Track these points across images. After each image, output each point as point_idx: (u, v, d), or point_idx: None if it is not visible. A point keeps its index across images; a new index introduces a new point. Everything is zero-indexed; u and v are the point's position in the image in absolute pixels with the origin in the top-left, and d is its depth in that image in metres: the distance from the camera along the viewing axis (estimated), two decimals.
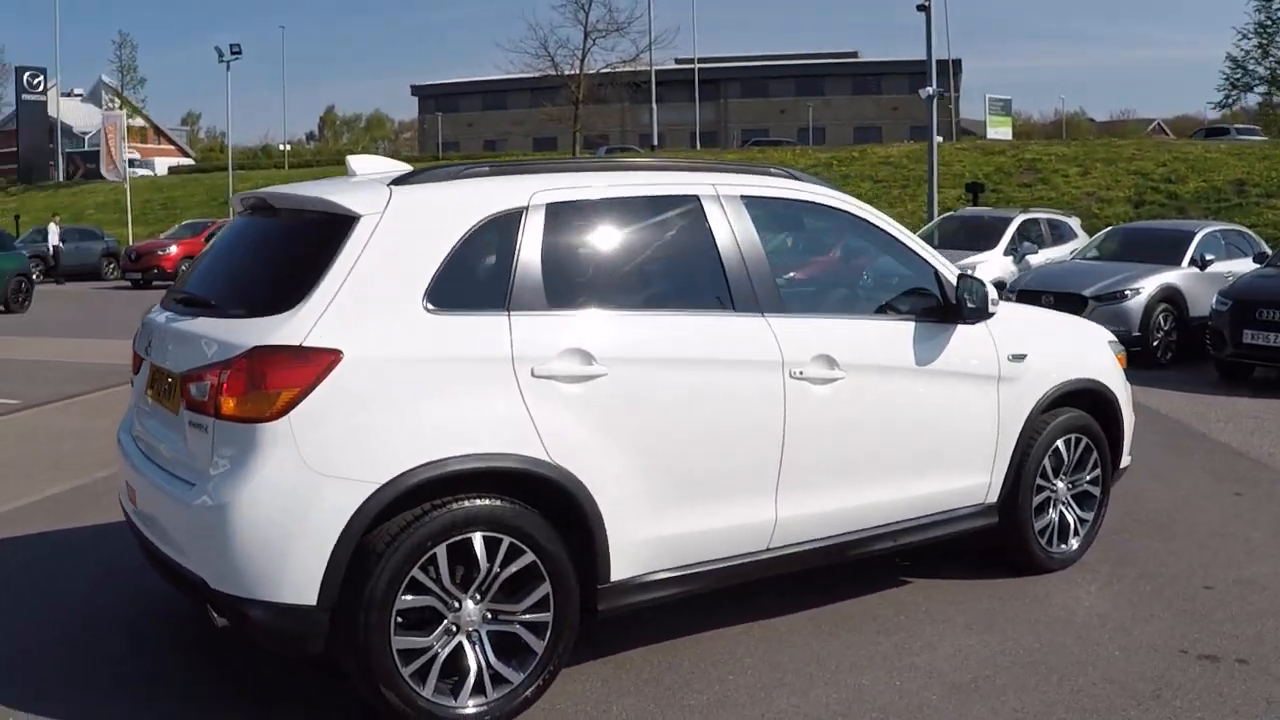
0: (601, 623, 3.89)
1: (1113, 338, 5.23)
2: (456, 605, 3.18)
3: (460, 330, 3.21)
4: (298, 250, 3.31)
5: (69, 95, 61.91)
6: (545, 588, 3.30)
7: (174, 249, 26.31)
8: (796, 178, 4.16)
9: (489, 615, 3.24)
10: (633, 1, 31.75)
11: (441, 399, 3.13)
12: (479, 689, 3.22)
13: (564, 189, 3.55)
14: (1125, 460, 5.16)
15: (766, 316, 3.77)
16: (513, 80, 29.80)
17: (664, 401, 3.52)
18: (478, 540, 3.17)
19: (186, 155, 72.53)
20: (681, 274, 3.80)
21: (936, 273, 4.30)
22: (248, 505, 2.96)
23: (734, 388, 3.66)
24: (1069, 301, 10.52)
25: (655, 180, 3.80)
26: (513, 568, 3.24)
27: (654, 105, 45.37)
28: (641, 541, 3.49)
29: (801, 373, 3.79)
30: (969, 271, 4.41)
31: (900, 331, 4.15)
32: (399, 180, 3.41)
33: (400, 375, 3.10)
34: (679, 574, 3.61)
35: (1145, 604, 4.38)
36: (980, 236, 13.94)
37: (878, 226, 4.30)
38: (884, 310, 4.30)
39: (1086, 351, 4.94)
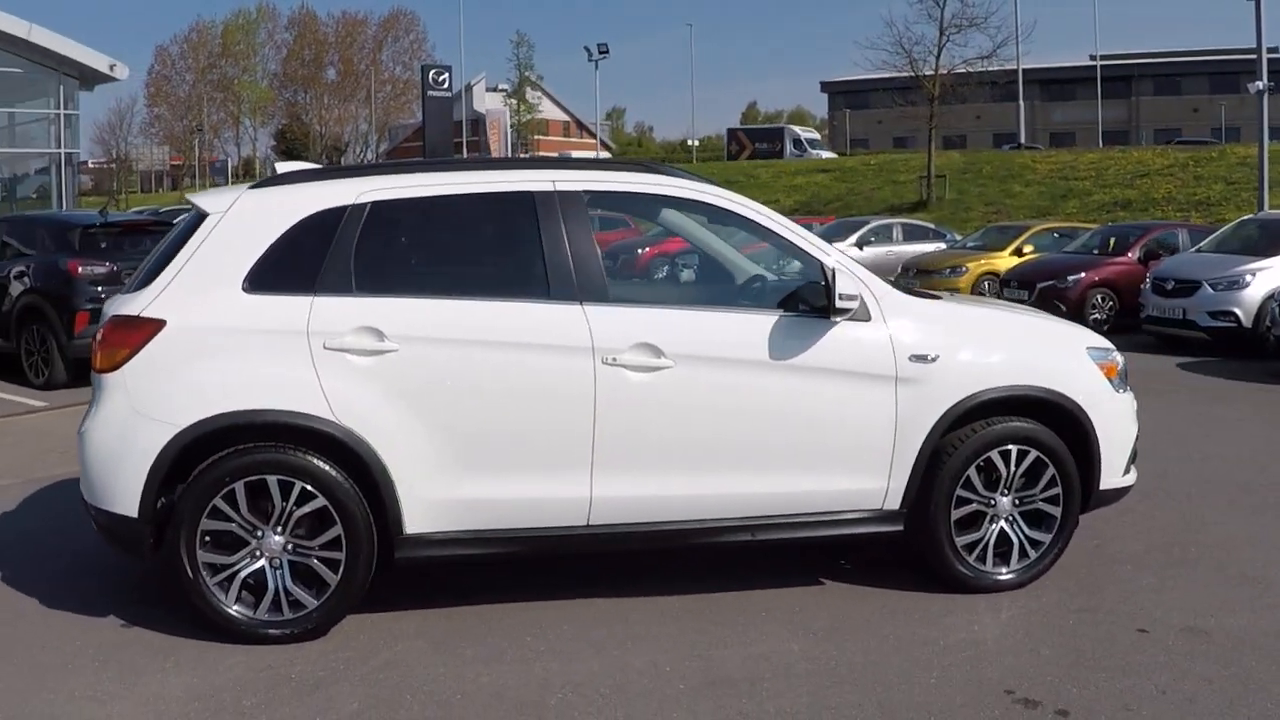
0: (433, 579, 4.38)
1: (1099, 344, 4.67)
2: (260, 534, 3.82)
3: (267, 308, 3.83)
4: (173, 241, 4.13)
5: (494, 90, 67.63)
6: (337, 529, 3.82)
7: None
8: (665, 173, 4.29)
9: (290, 547, 3.85)
10: None
11: (243, 362, 3.78)
12: (276, 607, 3.83)
13: (393, 189, 4.02)
14: (1114, 480, 4.59)
15: (584, 305, 3.98)
16: (911, 78, 29.56)
17: (462, 378, 3.88)
18: (272, 482, 3.77)
19: (607, 149, 78.61)
20: (501, 265, 4.12)
21: (821, 267, 4.21)
22: (94, 435, 3.82)
23: (540, 370, 3.93)
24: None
25: (491, 179, 4.14)
26: (306, 508, 3.80)
27: (1020, 103, 42.96)
28: (435, 501, 3.90)
29: (615, 359, 3.97)
30: (848, 264, 4.21)
31: (755, 324, 4.11)
32: (259, 184, 4.12)
33: (212, 342, 3.79)
34: (481, 536, 3.95)
35: (1030, 637, 3.98)
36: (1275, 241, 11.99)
37: (756, 221, 4.28)
38: (749, 303, 4.27)
39: (1044, 357, 4.48)
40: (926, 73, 29.51)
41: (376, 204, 3.99)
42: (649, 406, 4.01)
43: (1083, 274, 13.75)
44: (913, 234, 19.76)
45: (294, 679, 3.59)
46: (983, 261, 16.69)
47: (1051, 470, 4.43)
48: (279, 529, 3.82)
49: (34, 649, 3.80)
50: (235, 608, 3.81)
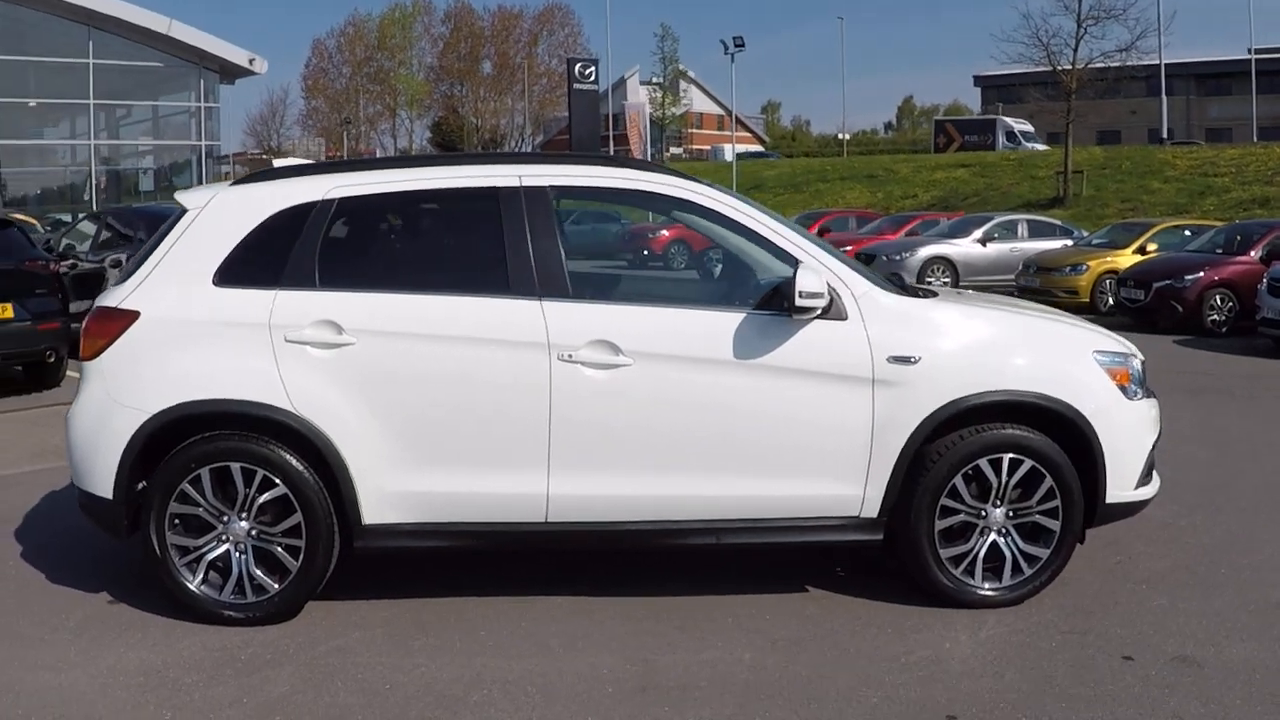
0: (409, 570, 4.44)
1: (1109, 347, 4.33)
2: (225, 519, 3.96)
3: (233, 302, 3.96)
4: (158, 236, 4.30)
5: (648, 84, 67.75)
6: (297, 517, 3.93)
7: (664, 232, 28.75)
8: (637, 167, 4.22)
9: (254, 532, 3.97)
10: None
11: (210, 353, 3.92)
12: (240, 589, 3.97)
13: (360, 185, 4.09)
14: (1124, 494, 4.26)
15: (543, 301, 3.96)
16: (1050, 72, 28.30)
17: (419, 372, 3.92)
18: (235, 469, 3.90)
19: (761, 143, 77.88)
20: (464, 260, 4.12)
21: (798, 265, 4.05)
22: (76, 419, 4.03)
23: (496, 366, 3.92)
24: None
25: (457, 174, 4.16)
26: (268, 495, 3.92)
27: (1163, 98, 40.46)
28: (393, 493, 3.95)
29: (571, 356, 3.92)
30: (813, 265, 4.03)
31: (721, 322, 3.99)
32: (239, 180, 4.26)
33: (181, 333, 3.94)
34: (440, 529, 3.99)
35: (1000, 659, 3.73)
36: None
37: (731, 217, 4.15)
38: (726, 301, 4.14)
39: (1041, 360, 4.19)
40: (1064, 66, 28.07)
41: (343, 200, 4.07)
42: (607, 404, 3.95)
43: (1201, 273, 12.83)
44: (1039, 230, 18.89)
45: (242, 660, 3.71)
46: (1105, 259, 15.80)
47: (1049, 482, 4.15)
48: (243, 515, 3.95)
49: (20, 619, 4.04)
50: (202, 588, 3.96)
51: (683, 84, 70.24)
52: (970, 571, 4.17)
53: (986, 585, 4.18)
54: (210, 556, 3.97)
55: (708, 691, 3.49)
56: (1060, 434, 4.16)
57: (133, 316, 3.98)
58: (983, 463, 4.11)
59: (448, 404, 3.94)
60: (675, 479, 4.01)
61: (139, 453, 3.91)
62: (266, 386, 3.89)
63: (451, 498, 3.98)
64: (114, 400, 3.94)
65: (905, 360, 4.03)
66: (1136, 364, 4.39)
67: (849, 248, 19.51)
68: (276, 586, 3.97)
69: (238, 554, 3.98)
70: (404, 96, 75.22)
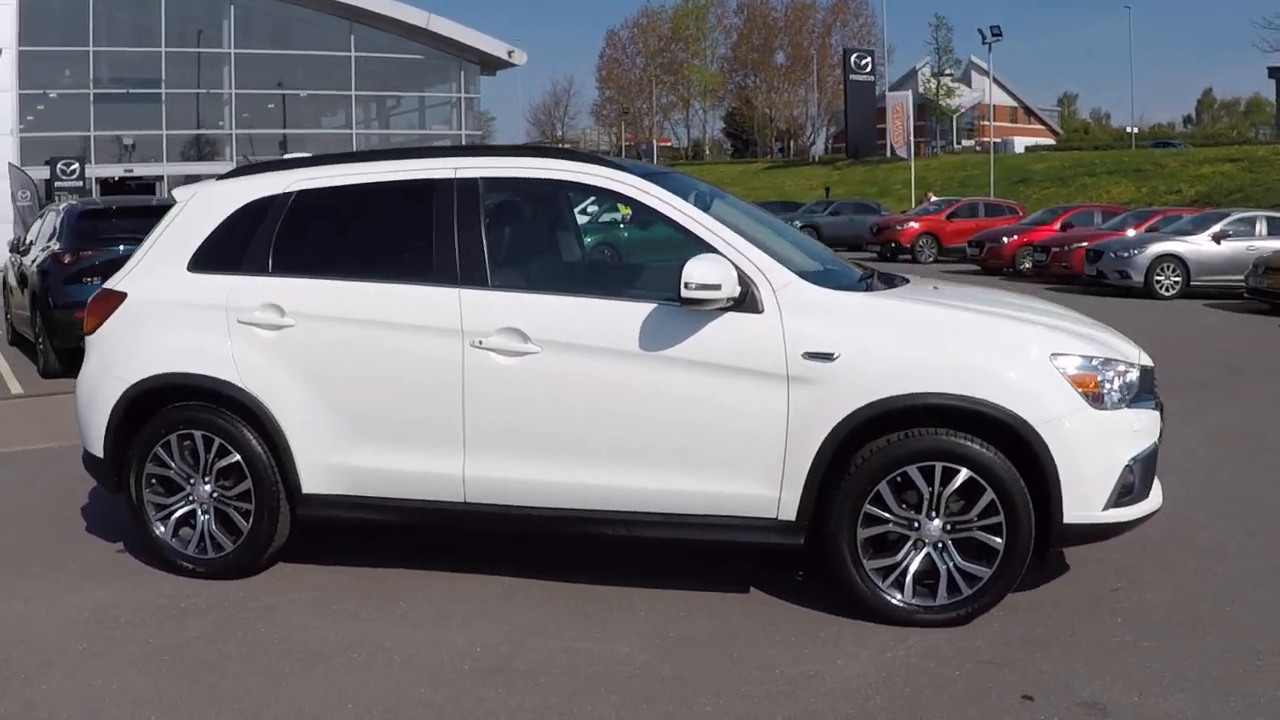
0: (373, 543, 4.70)
1: (1071, 350, 3.86)
2: (192, 481, 4.39)
3: (201, 286, 4.37)
4: (157, 226, 4.81)
5: (940, 75, 65.96)
6: (248, 483, 4.30)
7: (914, 224, 27.24)
8: (571, 158, 4.24)
9: (215, 495, 4.37)
10: None
11: (179, 331, 4.36)
12: (202, 546, 4.39)
13: (317, 179, 4.40)
14: (1087, 514, 3.82)
15: (461, 289, 4.09)
16: None
17: (348, 353, 4.17)
18: (197, 436, 4.33)
19: (1055, 135, 73.94)
20: (398, 249, 4.28)
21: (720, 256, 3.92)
22: (79, 387, 4.60)
23: (415, 350, 4.10)
24: None
25: (401, 167, 4.34)
26: (224, 462, 4.31)
27: None
28: (328, 465, 4.23)
29: (482, 342, 4.02)
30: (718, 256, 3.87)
31: (631, 313, 3.93)
32: (225, 175, 4.68)
33: (159, 313, 4.41)
34: (370, 502, 4.22)
35: (882, 685, 3.45)
36: None
37: (652, 206, 4.07)
38: (640, 292, 4.06)
39: (987, 363, 3.80)
40: None
41: (301, 192, 4.40)
42: (515, 391, 4.03)
43: None
44: (1278, 228, 16.67)
45: (181, 607, 4.12)
46: None
47: (990, 495, 3.79)
48: (206, 479, 4.37)
49: (32, 561, 4.65)
50: (171, 541, 4.42)
51: (975, 75, 67.43)
52: (899, 586, 3.88)
53: (916, 602, 3.88)
54: (179, 513, 4.42)
55: (550, 679, 3.50)
56: (1006, 444, 3.78)
57: (122, 297, 4.50)
58: (912, 470, 3.81)
59: (374, 384, 4.17)
60: (583, 468, 4.02)
61: (122, 417, 4.42)
62: (221, 363, 4.28)
63: (380, 474, 4.20)
64: (105, 370, 4.48)
65: (823, 357, 3.81)
66: (1123, 371, 3.90)
67: (1083, 244, 18.14)
68: (231, 546, 4.36)
69: (202, 514, 4.40)
70: (697, 87, 76.78)
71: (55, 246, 9.31)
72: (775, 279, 3.92)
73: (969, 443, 3.78)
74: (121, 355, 4.45)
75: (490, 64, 45.97)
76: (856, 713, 3.25)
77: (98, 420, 4.47)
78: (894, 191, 43.13)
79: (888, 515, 3.85)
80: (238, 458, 4.30)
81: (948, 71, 65.68)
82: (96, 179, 32.58)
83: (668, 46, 77.18)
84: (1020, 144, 61.15)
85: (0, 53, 27.95)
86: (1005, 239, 21.71)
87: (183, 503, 4.42)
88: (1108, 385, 3.89)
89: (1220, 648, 3.69)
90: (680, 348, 3.90)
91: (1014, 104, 77.63)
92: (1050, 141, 66.62)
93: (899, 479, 3.83)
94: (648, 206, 4.09)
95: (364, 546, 4.70)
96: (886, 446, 3.82)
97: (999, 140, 64.76)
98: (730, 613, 4.04)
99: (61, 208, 10.18)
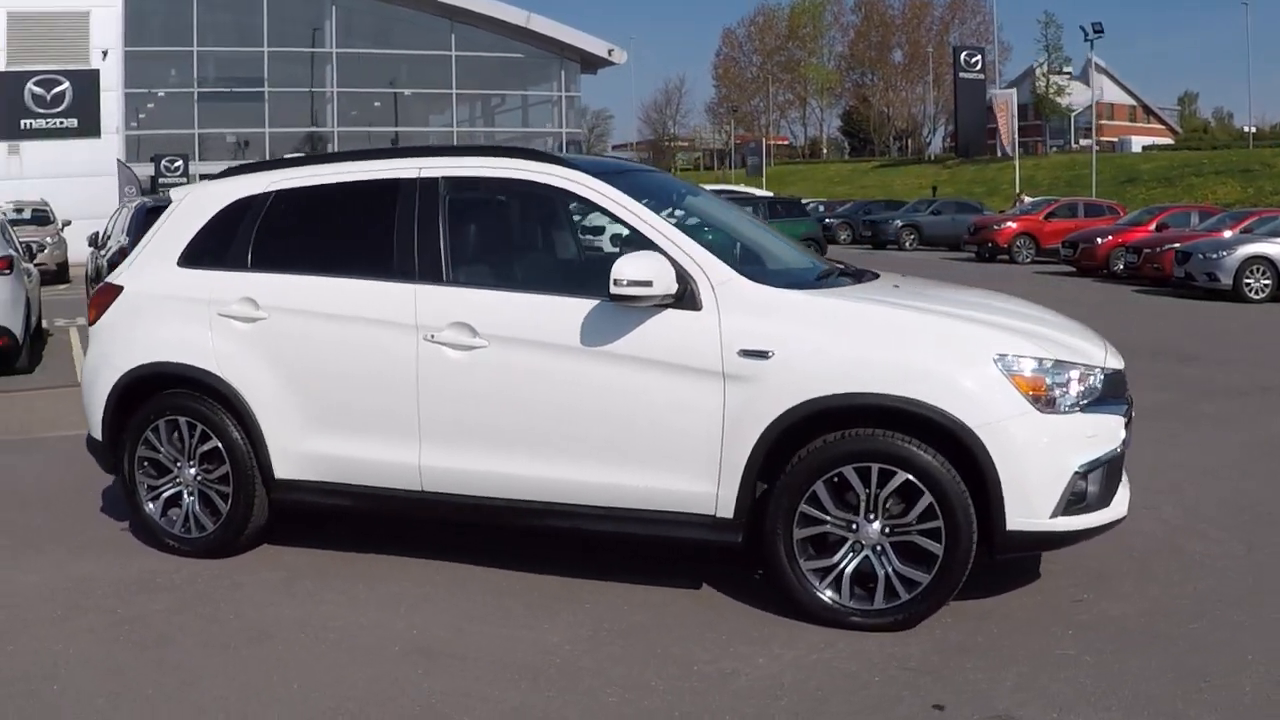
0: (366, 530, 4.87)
1: (1018, 350, 3.75)
2: (179, 464, 4.64)
3: (187, 280, 4.61)
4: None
5: (1057, 73, 64.86)
6: (226, 467, 4.52)
7: (1011, 224, 26.58)
8: (527, 156, 4.31)
9: (199, 478, 4.60)
10: None
11: (166, 323, 4.60)
12: (187, 527, 4.63)
13: (295, 179, 4.59)
14: (1033, 521, 3.72)
15: (417, 284, 4.22)
16: None
17: (315, 345, 4.34)
18: (182, 422, 4.57)
19: (1174, 134, 71.39)
20: (364, 246, 4.41)
21: (665, 255, 3.95)
22: (84, 374, 4.90)
23: (375, 343, 4.25)
24: None
25: (369, 167, 4.49)
26: (205, 446, 4.54)
27: None
28: (297, 452, 4.42)
29: (434, 336, 4.15)
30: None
31: (574, 309, 4.00)
32: (217, 175, 4.91)
33: (151, 306, 4.66)
34: (336, 488, 4.40)
35: (790, 688, 3.44)
36: None
37: (602, 205, 4.12)
38: (585, 288, 4.10)
39: (925, 363, 3.72)
40: None
41: (279, 192, 4.60)
42: (465, 383, 4.14)
43: None
44: None
45: (158, 582, 4.36)
46: None
47: (928, 498, 3.72)
48: (191, 462, 4.61)
49: (46, 536, 4.97)
50: (160, 521, 4.68)
51: (1093, 73, 65.28)
52: (836, 587, 3.85)
53: (853, 605, 3.84)
54: (167, 495, 4.67)
55: (478, 663, 3.60)
56: (945, 447, 3.71)
57: (119, 290, 4.78)
58: (848, 471, 3.78)
59: (339, 375, 4.34)
60: (530, 460, 4.10)
61: (117, 403, 4.70)
62: (203, 354, 4.51)
63: (345, 461, 4.37)
64: (103, 359, 4.77)
65: (758, 355, 3.81)
66: (1080, 374, 3.80)
67: (1175, 245, 17.47)
68: (212, 526, 4.59)
69: (188, 495, 4.65)
70: (813, 85, 76.41)
71: (124, 241, 9.88)
72: (715, 276, 3.92)
73: (906, 445, 3.72)
74: (118, 345, 4.72)
75: (591, 63, 46.35)
76: (755, 713, 3.25)
77: (97, 405, 4.76)
78: (1001, 191, 42.13)
79: (825, 516, 3.83)
80: (218, 443, 4.52)
81: (1065, 70, 63.61)
82: (200, 176, 34.11)
83: (784, 44, 76.92)
84: (1138, 144, 59.00)
85: (106, 54, 29.42)
86: (1099, 240, 20.99)
87: (170, 484, 4.67)
88: (1059, 388, 3.77)
89: (1168, 667, 3.54)
90: (620, 344, 3.95)
91: (1133, 103, 74.85)
92: (1168, 141, 63.85)
93: (836, 480, 3.80)
94: (596, 204, 4.14)
95: (351, 531, 4.88)
96: (822, 446, 3.79)
97: (1116, 140, 62.61)
98: (672, 608, 4.07)
99: (133, 204, 10.76)
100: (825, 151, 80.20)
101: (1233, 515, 5.19)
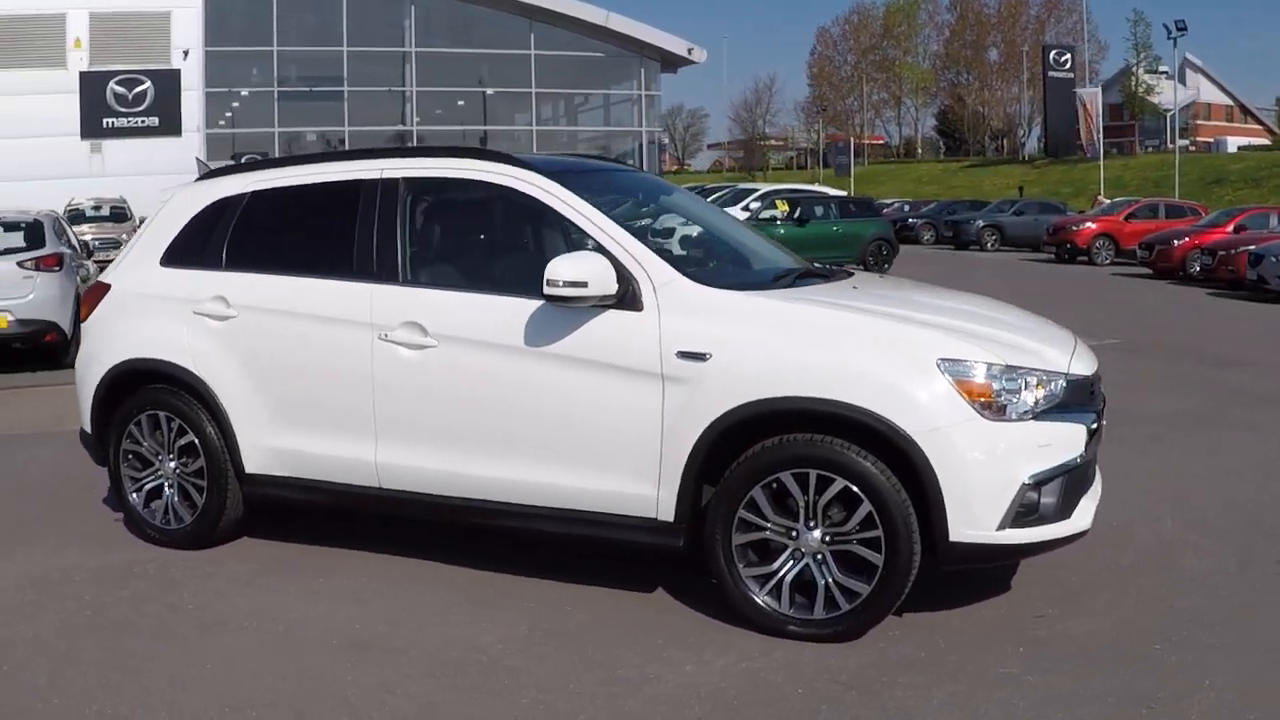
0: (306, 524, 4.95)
1: (963, 356, 3.62)
2: (160, 458, 4.79)
3: (166, 279, 4.75)
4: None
5: (1154, 73, 63.42)
6: (201, 461, 4.65)
7: (1090, 225, 25.71)
8: (480, 156, 4.33)
9: (177, 471, 4.74)
10: None
11: (149, 321, 4.74)
12: (166, 519, 4.76)
13: (270, 180, 4.69)
14: (977, 533, 3.59)
15: (374, 284, 4.28)
16: None
17: (279, 342, 4.44)
18: (161, 417, 4.71)
19: (1271, 134, 68.95)
20: (329, 246, 4.48)
21: (607, 255, 3.93)
22: (76, 369, 5.09)
23: (333, 341, 4.32)
24: None
25: (338, 169, 4.56)
26: (181, 441, 4.67)
27: None
28: (265, 447, 4.52)
29: (387, 335, 4.20)
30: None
31: (518, 309, 4.00)
32: (199, 177, 5.04)
33: (135, 304, 4.81)
34: (301, 484, 4.49)
35: (685, 698, 3.39)
36: None
37: (548, 205, 4.12)
38: (533, 289, 4.08)
39: (864, 367, 3.63)
40: None
41: (255, 193, 4.71)
42: (417, 382, 4.19)
43: None
44: None
45: (133, 571, 4.50)
46: None
47: (868, 507, 3.63)
48: (170, 456, 4.76)
49: (47, 526, 5.13)
50: (143, 512, 4.84)
51: (1190, 73, 63.11)
52: (776, 595, 3.78)
53: (793, 614, 3.76)
54: (149, 487, 4.83)
55: (408, 658, 3.64)
56: (886, 454, 3.61)
57: (107, 288, 4.95)
58: (786, 477, 3.70)
59: (302, 372, 4.43)
60: (481, 460, 4.12)
61: (104, 397, 4.87)
62: (179, 350, 4.65)
63: (310, 457, 4.46)
64: (92, 355, 4.94)
65: (695, 356, 3.77)
66: (1036, 380, 3.67)
67: (1250, 247, 16.79)
68: (189, 519, 4.73)
69: (168, 488, 4.79)
70: (908, 85, 75.63)
71: None
72: (657, 277, 3.89)
73: (845, 451, 3.63)
74: (105, 341, 4.90)
75: (670, 61, 46.34)
76: (658, 718, 3.21)
77: (86, 399, 4.94)
78: (1088, 191, 41.06)
79: (764, 522, 3.76)
80: (194, 437, 4.65)
81: (1160, 69, 61.44)
82: None
83: (879, 43, 76.08)
84: (1234, 144, 56.80)
85: (187, 54, 30.36)
86: (1175, 242, 20.22)
87: (152, 477, 4.82)
88: (1010, 394, 3.64)
89: (1113, 690, 3.39)
90: (563, 344, 3.94)
91: (1230, 103, 71.94)
92: (1265, 142, 61.28)
93: (775, 486, 3.73)
94: (543, 204, 4.14)
95: (333, 527, 4.91)
96: (760, 451, 3.72)
97: (1212, 140, 60.21)
98: (616, 611, 4.04)
99: None
100: (920, 151, 79.03)
101: (1236, 530, 4.95)
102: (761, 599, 3.78)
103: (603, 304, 3.86)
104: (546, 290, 3.79)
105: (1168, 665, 3.56)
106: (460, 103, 42.79)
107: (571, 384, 3.94)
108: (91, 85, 29.53)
